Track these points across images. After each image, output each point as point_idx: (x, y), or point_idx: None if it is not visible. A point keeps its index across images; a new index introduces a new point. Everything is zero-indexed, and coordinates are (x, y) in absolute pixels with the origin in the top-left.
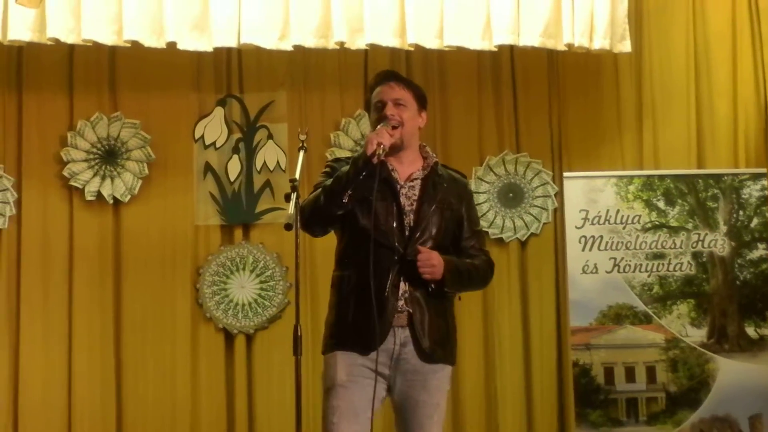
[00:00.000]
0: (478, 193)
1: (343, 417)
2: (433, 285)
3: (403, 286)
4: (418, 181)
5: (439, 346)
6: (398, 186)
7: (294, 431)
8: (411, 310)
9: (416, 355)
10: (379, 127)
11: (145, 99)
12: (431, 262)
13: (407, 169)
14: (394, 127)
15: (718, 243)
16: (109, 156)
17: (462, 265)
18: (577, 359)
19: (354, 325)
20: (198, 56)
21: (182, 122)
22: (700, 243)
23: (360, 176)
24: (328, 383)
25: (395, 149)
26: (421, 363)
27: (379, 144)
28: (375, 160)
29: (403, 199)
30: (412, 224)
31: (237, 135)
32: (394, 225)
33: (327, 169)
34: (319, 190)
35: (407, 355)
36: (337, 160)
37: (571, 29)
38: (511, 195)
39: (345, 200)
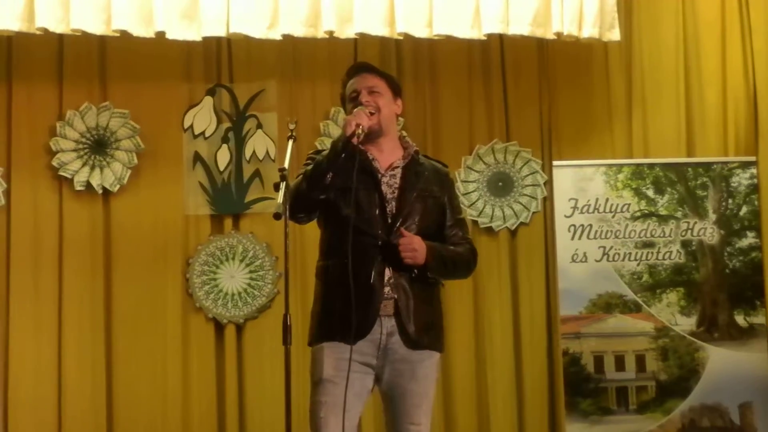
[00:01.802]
0: (468, 182)
1: (331, 412)
2: (416, 270)
3: (388, 273)
4: (399, 170)
5: (425, 332)
6: (379, 175)
7: (284, 420)
8: (396, 296)
9: (403, 344)
10: (356, 109)
11: (135, 89)
12: (412, 246)
13: (387, 158)
14: (371, 113)
15: (708, 231)
16: (98, 146)
17: (446, 252)
18: (567, 348)
19: (340, 315)
20: (187, 46)
21: (171, 112)
22: (689, 231)
23: (340, 157)
24: (315, 377)
25: (374, 135)
26: (408, 351)
27: (357, 125)
28: (355, 140)
29: (384, 188)
30: (394, 212)
31: (226, 124)
32: (377, 213)
33: (308, 161)
34: (300, 177)
35: (394, 345)
36: (318, 151)
37: (560, 18)
38: (500, 184)
39: (326, 183)
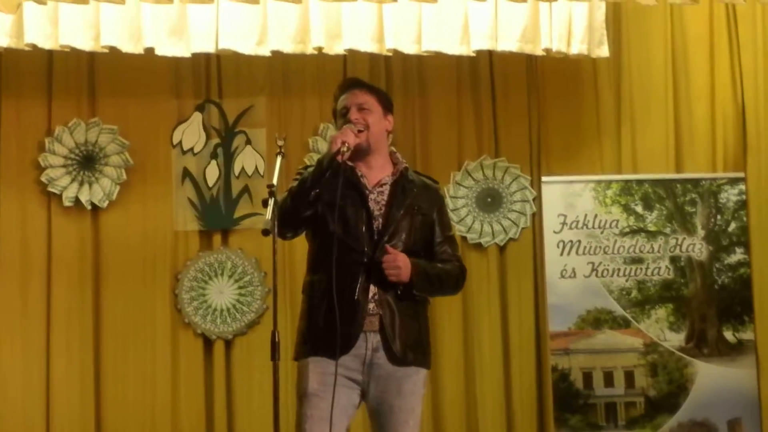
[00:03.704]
0: (456, 197)
1: (317, 425)
2: (400, 288)
3: (373, 289)
4: (387, 186)
5: (411, 349)
6: (367, 191)
7: None
8: (381, 313)
9: (388, 360)
10: (344, 126)
11: (123, 104)
12: (396, 263)
13: (376, 175)
14: (359, 131)
15: (696, 247)
16: (87, 162)
17: (431, 269)
18: (556, 364)
19: (324, 330)
20: (176, 62)
21: (160, 128)
22: (678, 247)
23: (325, 175)
24: (301, 391)
25: (363, 152)
26: (394, 367)
27: (343, 142)
28: (339, 158)
29: (372, 204)
30: (380, 228)
31: (215, 140)
32: (364, 230)
33: (297, 176)
34: (286, 194)
35: (380, 360)
36: (307, 167)
37: (549, 34)
38: (489, 200)
39: (311, 200)
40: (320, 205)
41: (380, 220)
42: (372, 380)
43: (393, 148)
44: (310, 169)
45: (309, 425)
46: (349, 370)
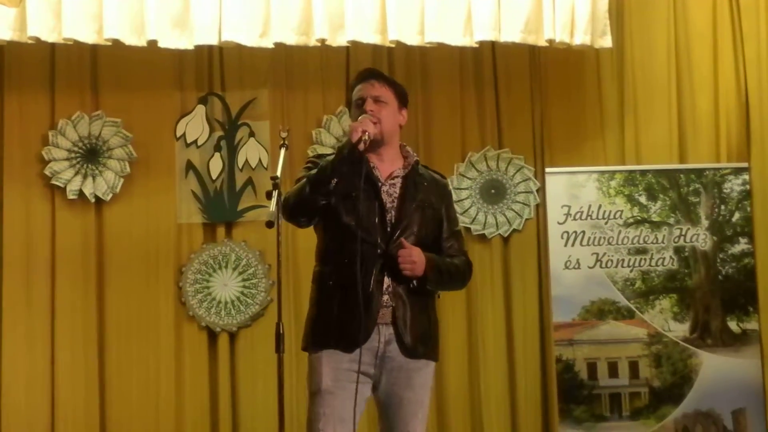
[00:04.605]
0: (460, 189)
1: (329, 424)
2: (414, 282)
3: (386, 282)
4: (399, 179)
5: (421, 342)
6: (379, 184)
7: (277, 428)
8: (394, 305)
9: (400, 352)
10: (362, 116)
11: (127, 97)
12: (412, 258)
13: (388, 167)
14: (374, 123)
15: (700, 238)
16: (91, 155)
17: (443, 264)
18: (560, 355)
19: (338, 323)
20: (179, 54)
21: (164, 120)
22: (682, 238)
23: (345, 163)
24: (313, 387)
25: (376, 145)
26: (405, 360)
27: (364, 131)
28: (361, 146)
29: (384, 197)
30: (393, 221)
31: (219, 133)
32: (376, 221)
33: (309, 164)
34: (304, 180)
35: (392, 353)
36: (319, 155)
37: (552, 25)
38: (493, 191)
39: (330, 188)
40: (335, 196)
41: (393, 212)
42: (384, 373)
43: (403, 143)
44: (327, 157)
45: (322, 423)
46: (363, 363)
